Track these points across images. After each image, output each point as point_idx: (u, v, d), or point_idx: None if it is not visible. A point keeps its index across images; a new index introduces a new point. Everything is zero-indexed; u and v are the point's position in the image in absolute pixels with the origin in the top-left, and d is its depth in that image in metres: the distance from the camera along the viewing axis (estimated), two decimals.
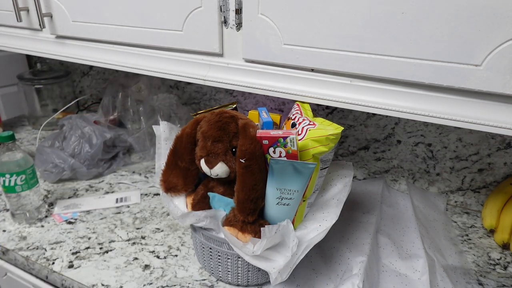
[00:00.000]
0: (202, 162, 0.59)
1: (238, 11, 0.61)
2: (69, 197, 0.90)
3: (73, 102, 1.29)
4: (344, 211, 0.83)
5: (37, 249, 0.73)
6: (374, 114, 0.89)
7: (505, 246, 0.75)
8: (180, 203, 0.65)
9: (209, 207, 0.63)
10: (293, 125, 0.61)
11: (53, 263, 0.69)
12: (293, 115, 0.64)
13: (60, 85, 1.29)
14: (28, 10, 0.85)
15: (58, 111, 1.22)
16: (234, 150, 0.58)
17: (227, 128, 0.58)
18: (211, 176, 0.60)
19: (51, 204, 0.87)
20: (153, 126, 0.69)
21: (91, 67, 1.36)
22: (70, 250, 0.72)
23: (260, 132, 0.55)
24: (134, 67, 0.77)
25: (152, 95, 1.10)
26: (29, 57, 1.49)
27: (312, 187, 0.60)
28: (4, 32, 0.95)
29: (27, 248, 0.73)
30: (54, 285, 0.71)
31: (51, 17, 0.83)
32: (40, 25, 0.82)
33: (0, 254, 0.74)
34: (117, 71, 1.27)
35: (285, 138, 0.53)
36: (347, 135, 0.94)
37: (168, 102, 1.09)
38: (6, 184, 0.74)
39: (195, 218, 0.60)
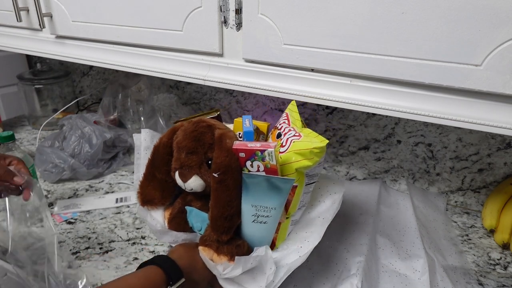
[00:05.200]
0: (177, 175, 0.56)
1: (238, 11, 0.61)
2: (69, 197, 0.90)
3: (73, 102, 1.29)
4: (341, 212, 0.82)
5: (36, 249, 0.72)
6: (374, 114, 0.89)
7: (505, 246, 0.75)
8: (158, 217, 0.62)
9: (186, 222, 0.60)
10: (279, 136, 0.58)
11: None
12: (280, 124, 0.61)
13: (60, 85, 1.29)
14: (28, 10, 0.85)
15: (58, 111, 1.22)
16: (210, 162, 0.55)
17: (203, 139, 0.55)
18: (186, 190, 0.57)
19: (51, 204, 0.87)
20: (134, 135, 0.67)
21: (91, 67, 1.36)
22: (70, 250, 0.72)
23: (236, 144, 0.52)
24: (134, 67, 0.77)
25: (152, 95, 1.10)
26: (29, 57, 1.49)
27: (296, 204, 0.56)
28: (4, 32, 0.95)
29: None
30: None
31: (51, 17, 0.83)
32: (40, 25, 0.82)
33: (0, 254, 0.74)
34: (117, 71, 1.27)
35: (262, 151, 0.49)
36: (347, 135, 0.94)
37: (168, 102, 1.09)
38: None
39: (172, 238, 0.57)
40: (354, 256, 0.68)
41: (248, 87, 0.66)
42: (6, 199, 0.77)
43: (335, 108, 0.93)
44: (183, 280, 0.51)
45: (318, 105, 0.94)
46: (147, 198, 0.61)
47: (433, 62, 0.49)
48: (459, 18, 0.46)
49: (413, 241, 0.74)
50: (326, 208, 0.60)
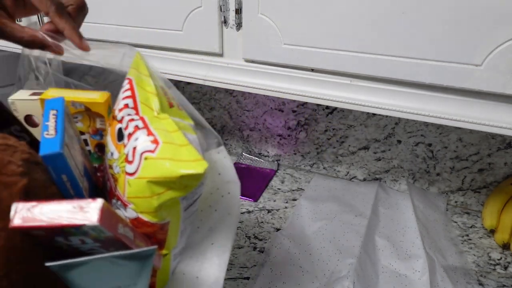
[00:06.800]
0: None
1: (238, 11, 0.61)
2: None
3: None
4: (336, 213, 0.83)
5: None
6: (374, 114, 0.89)
7: (505, 246, 0.75)
8: None
9: None
10: (120, 136, 0.34)
11: None
12: (119, 109, 0.35)
13: None
14: None
15: None
16: None
17: None
18: None
19: None
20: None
21: (91, 67, 1.36)
22: None
23: (17, 215, 0.25)
24: None
25: None
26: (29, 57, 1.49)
27: (176, 235, 0.38)
28: None
29: None
30: None
31: None
32: (39, 25, 0.82)
33: None
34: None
35: (78, 227, 0.26)
36: (347, 135, 0.94)
37: None
38: None
39: None
40: (346, 258, 0.68)
41: (248, 87, 0.66)
42: None
43: (335, 108, 0.93)
44: None
45: (318, 105, 0.94)
46: None
47: (433, 62, 0.49)
48: (459, 18, 0.46)
49: (413, 241, 0.74)
50: (219, 226, 0.41)
